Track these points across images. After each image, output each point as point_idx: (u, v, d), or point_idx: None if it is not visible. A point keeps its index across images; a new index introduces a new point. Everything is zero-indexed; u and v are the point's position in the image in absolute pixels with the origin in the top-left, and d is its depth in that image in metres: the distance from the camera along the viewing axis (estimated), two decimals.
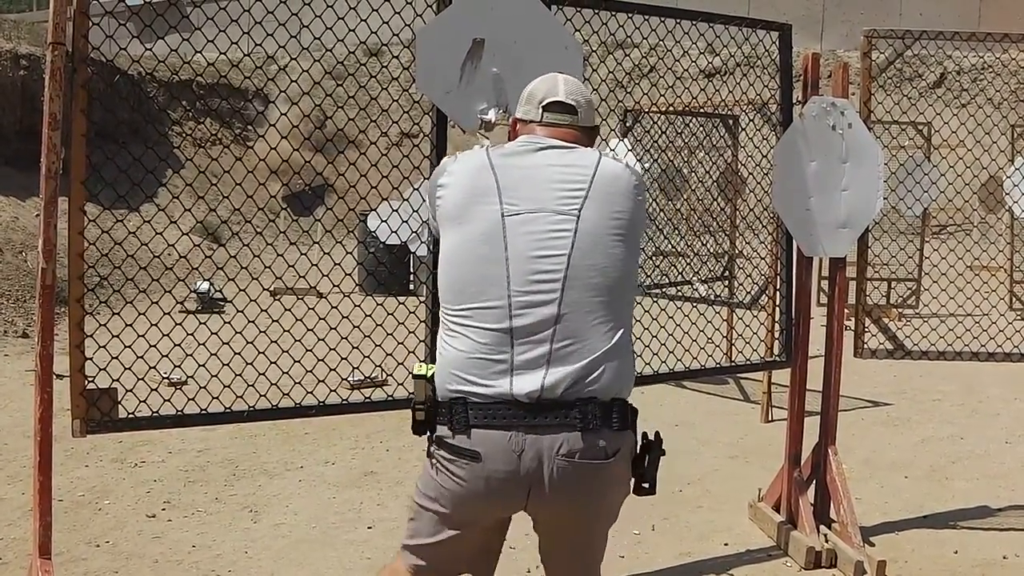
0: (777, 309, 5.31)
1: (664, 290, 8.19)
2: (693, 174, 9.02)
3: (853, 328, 5.35)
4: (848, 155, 5.06)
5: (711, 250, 8.84)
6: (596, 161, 2.88)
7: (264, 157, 4.47)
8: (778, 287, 5.26)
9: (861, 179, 5.08)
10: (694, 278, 8.40)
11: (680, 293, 8.13)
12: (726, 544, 5.16)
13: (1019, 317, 11.06)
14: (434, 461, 2.83)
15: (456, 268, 2.83)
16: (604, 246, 2.80)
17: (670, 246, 8.61)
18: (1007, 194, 10.78)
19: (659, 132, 8.21)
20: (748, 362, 5.60)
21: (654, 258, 8.49)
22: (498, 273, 2.76)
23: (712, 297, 8.26)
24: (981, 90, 20.31)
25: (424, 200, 3.32)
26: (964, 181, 6.70)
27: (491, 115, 3.91)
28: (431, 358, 2.96)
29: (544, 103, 2.99)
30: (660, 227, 8.54)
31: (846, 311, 5.34)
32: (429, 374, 2.84)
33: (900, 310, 11.86)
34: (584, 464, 2.73)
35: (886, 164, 10.95)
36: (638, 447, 2.88)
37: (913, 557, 5.01)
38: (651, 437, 2.90)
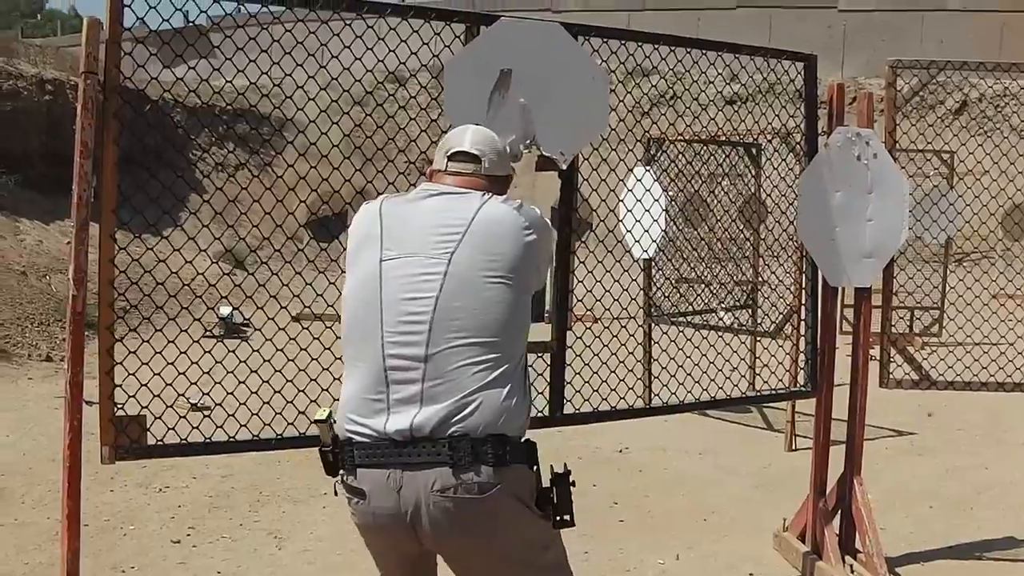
0: (802, 339, 5.30)
1: (688, 318, 8.18)
2: (718, 202, 9.01)
3: (878, 358, 5.35)
4: (873, 185, 5.06)
5: (735, 278, 8.83)
6: (479, 206, 2.94)
7: (293, 186, 4.50)
8: (803, 316, 5.26)
9: (886, 210, 5.09)
10: (717, 306, 8.39)
11: (704, 321, 8.13)
12: (751, 574, 5.14)
13: None
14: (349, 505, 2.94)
15: (345, 312, 2.97)
16: (476, 288, 2.86)
17: (695, 275, 8.59)
18: None
19: (684, 161, 8.22)
20: (773, 391, 5.61)
21: (678, 285, 8.49)
22: (374, 317, 2.88)
23: (736, 326, 8.24)
24: (1005, 119, 20.27)
25: None
26: (989, 210, 6.69)
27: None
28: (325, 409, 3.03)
29: (449, 152, 3.10)
30: (685, 255, 8.53)
31: (871, 340, 5.34)
32: (327, 417, 2.93)
33: (924, 339, 11.81)
34: (459, 500, 2.76)
35: (910, 194, 10.93)
36: (542, 480, 2.91)
37: None
38: (559, 471, 2.92)
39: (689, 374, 4.93)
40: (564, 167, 4.19)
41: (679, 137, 8.45)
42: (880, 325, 5.37)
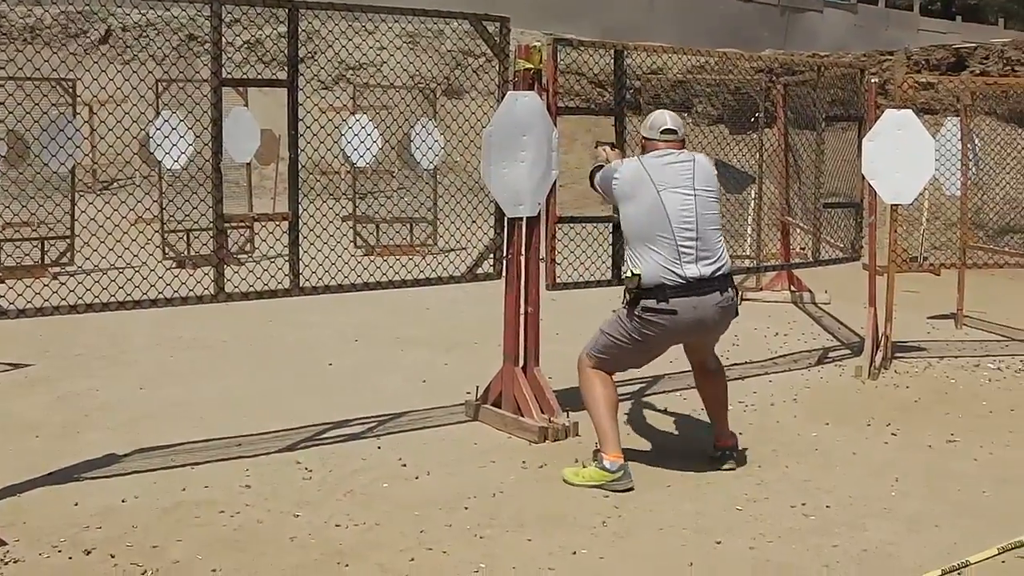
0: None
1: None
2: None
3: None
4: None
5: None
6: (693, 159, 5.58)
7: None
8: None
9: None
10: None
11: None
12: None
13: (173, 265, 11.49)
14: (642, 320, 5.42)
15: (638, 222, 5.47)
16: (707, 201, 5.51)
17: None
18: (154, 147, 11.11)
19: None
20: None
21: None
22: (664, 221, 5.39)
23: None
24: (143, 47, 20.64)
25: None
26: (131, 135, 6.62)
27: None
28: (629, 269, 5.46)
29: (661, 129, 5.63)
30: None
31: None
32: (633, 276, 5.41)
33: (56, 268, 11.71)
34: (725, 307, 5.49)
35: (37, 122, 10.65)
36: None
37: (33, 517, 4.97)
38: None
39: None
40: None
41: None
42: None
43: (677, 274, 5.33)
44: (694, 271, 5.35)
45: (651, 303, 5.36)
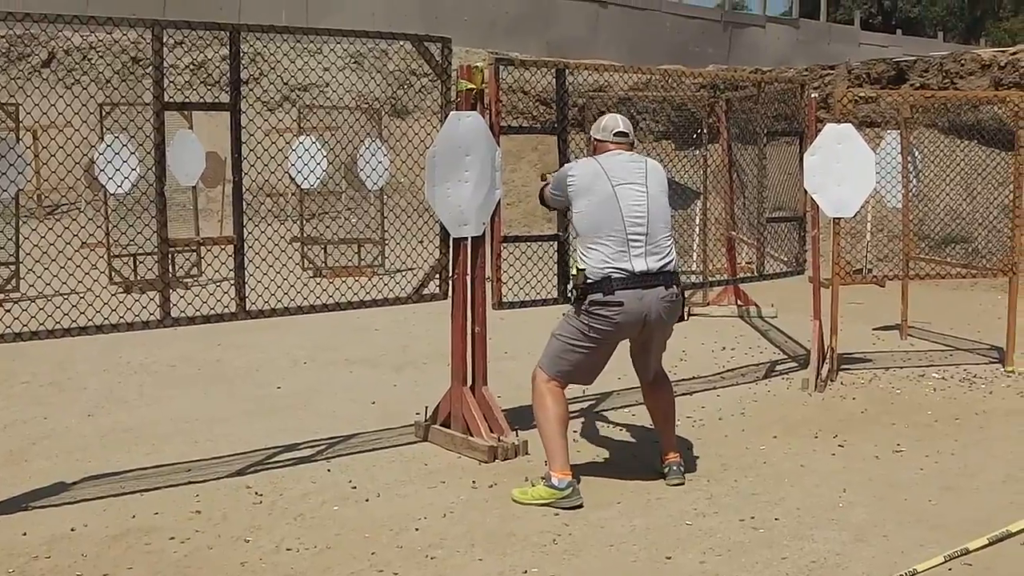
0: None
1: None
2: None
3: None
4: None
5: None
6: (645, 161, 5.77)
7: None
8: None
9: None
10: None
11: None
12: None
13: (120, 290, 11.38)
14: (590, 314, 5.49)
15: (590, 215, 5.54)
16: (660, 200, 5.66)
17: None
18: (98, 172, 11.02)
19: None
20: None
21: None
22: (616, 215, 5.50)
23: None
24: (96, 68, 20.48)
25: None
26: (73, 160, 6.53)
27: None
28: (575, 266, 5.59)
29: (614, 132, 5.75)
30: None
31: None
32: (578, 272, 5.52)
33: (3, 294, 11.58)
34: (670, 302, 5.58)
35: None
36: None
37: None
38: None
39: None
40: None
41: None
42: None
43: (623, 268, 5.43)
44: (641, 265, 5.46)
45: (598, 296, 5.44)
